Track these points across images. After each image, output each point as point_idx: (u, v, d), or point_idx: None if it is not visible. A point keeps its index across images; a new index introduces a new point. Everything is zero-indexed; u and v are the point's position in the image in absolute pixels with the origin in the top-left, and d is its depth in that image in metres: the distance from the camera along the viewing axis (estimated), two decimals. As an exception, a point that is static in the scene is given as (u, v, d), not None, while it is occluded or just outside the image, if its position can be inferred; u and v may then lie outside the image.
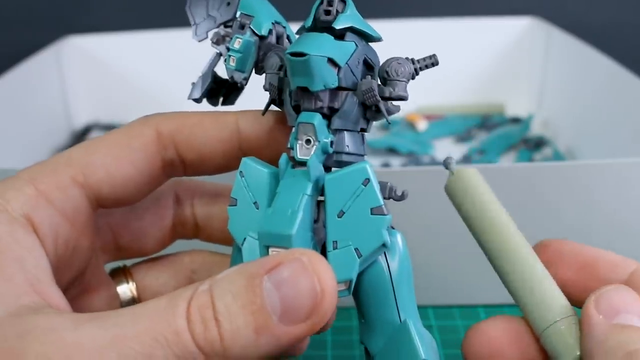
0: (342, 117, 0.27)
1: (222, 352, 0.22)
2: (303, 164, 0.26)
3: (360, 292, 0.27)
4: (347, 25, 0.26)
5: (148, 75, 0.78)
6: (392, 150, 0.71)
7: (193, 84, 0.30)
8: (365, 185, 0.25)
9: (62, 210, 0.27)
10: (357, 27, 0.26)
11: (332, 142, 0.26)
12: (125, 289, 0.34)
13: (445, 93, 0.78)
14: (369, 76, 0.27)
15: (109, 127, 0.77)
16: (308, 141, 0.26)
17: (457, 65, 0.77)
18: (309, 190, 0.25)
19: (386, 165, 0.68)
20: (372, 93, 0.26)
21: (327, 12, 0.26)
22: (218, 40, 0.30)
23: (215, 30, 0.30)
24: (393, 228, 0.27)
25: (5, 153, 0.60)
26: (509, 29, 0.79)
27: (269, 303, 0.22)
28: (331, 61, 0.26)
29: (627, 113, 0.59)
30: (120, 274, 0.34)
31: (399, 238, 0.27)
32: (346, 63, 0.26)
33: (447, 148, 0.73)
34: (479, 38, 0.79)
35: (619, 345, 0.24)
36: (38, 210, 0.26)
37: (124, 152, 0.29)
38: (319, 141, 0.26)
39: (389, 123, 0.27)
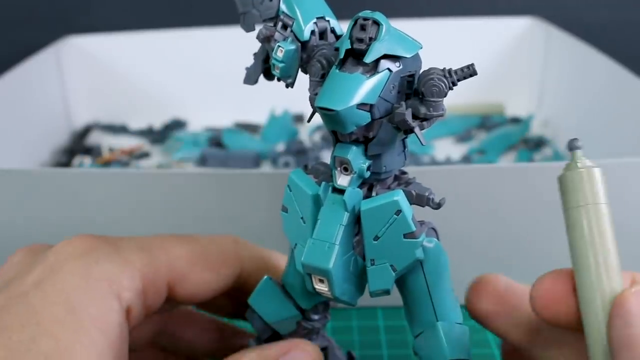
0: (377, 144, 0.27)
1: None
2: (342, 190, 0.28)
3: (401, 288, 0.30)
4: (378, 57, 0.25)
5: (148, 76, 0.78)
6: (392, 150, 0.71)
7: (247, 68, 0.31)
8: (397, 215, 0.27)
9: (148, 309, 0.30)
10: (391, 53, 0.25)
11: (368, 166, 0.27)
12: None
13: (445, 93, 0.78)
14: (403, 103, 0.26)
15: (109, 127, 0.77)
16: (345, 168, 0.27)
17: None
18: (345, 221, 0.27)
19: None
20: (406, 124, 0.26)
21: (360, 40, 0.25)
22: (264, 39, 0.30)
23: (260, 27, 0.30)
24: (435, 231, 0.29)
25: (5, 153, 0.60)
26: (509, 29, 0.79)
27: None
28: (362, 104, 0.25)
29: (627, 113, 0.59)
30: None
31: (435, 246, 0.28)
32: (379, 96, 0.25)
33: (447, 148, 0.73)
34: (479, 38, 0.79)
35: None
36: (136, 307, 0.29)
37: (213, 277, 0.32)
38: (355, 172, 0.27)
39: (423, 145, 0.27)
